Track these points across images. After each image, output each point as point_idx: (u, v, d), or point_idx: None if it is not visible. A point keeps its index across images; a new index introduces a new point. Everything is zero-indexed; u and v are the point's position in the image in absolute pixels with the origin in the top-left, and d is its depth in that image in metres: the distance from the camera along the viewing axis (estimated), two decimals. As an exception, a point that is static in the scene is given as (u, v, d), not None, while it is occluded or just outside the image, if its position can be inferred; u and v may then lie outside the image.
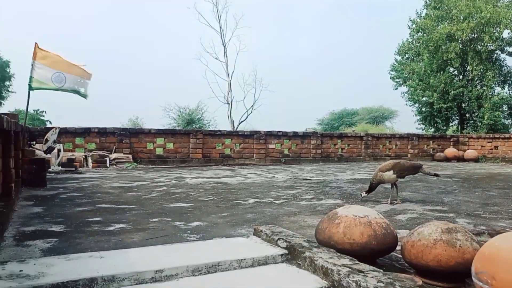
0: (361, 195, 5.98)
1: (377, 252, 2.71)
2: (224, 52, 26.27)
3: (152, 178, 8.75)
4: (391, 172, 5.71)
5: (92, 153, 11.42)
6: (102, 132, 12.30)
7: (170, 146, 13.25)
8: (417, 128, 25.16)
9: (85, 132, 12.21)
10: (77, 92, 9.74)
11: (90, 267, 2.29)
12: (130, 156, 12.07)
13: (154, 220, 4.45)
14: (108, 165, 11.17)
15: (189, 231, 3.92)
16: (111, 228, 4.00)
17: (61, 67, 9.54)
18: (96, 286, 2.17)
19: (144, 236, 3.69)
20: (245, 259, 2.48)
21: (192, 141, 13.34)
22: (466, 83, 22.40)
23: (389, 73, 26.15)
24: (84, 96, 9.85)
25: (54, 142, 10.18)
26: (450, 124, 24.64)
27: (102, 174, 9.46)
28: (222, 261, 2.41)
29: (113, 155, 11.67)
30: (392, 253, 2.96)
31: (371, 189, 5.92)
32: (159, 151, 13.10)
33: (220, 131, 14.46)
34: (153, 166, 12.28)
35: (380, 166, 5.98)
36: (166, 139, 13.20)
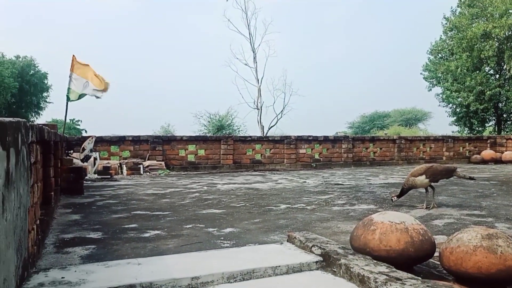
0: (392, 199, 5.88)
1: (414, 259, 2.65)
2: (254, 58, 26.41)
3: (185, 185, 8.87)
4: (424, 176, 5.58)
5: (126, 160, 11.71)
6: (136, 140, 12.60)
7: (202, 152, 13.41)
8: (452, 131, 24.53)
9: (120, 140, 12.53)
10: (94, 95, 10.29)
11: (129, 274, 2.35)
12: (163, 163, 12.30)
13: (187, 226, 4.51)
14: (142, 172, 11.41)
15: (222, 238, 3.95)
16: (147, 235, 4.09)
17: (89, 76, 10.04)
18: (134, 293, 2.22)
19: (178, 243, 3.75)
20: (279, 266, 2.48)
21: (223, 147, 13.46)
22: (503, 82, 21.66)
23: (421, 73, 25.61)
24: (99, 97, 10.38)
25: (91, 150, 10.50)
26: (487, 125, 23.87)
27: (137, 181, 9.68)
28: (256, 268, 2.42)
29: (147, 162, 11.92)
30: (430, 260, 2.89)
31: (402, 193, 5.81)
32: (191, 157, 13.29)
33: (250, 136, 14.52)
34: (185, 172, 12.46)
35: (412, 170, 5.85)
36: (197, 145, 13.38)
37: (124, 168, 11.34)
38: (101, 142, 12.17)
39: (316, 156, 14.95)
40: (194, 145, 13.34)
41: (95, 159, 10.71)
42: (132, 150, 12.55)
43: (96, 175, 10.44)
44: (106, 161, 11.45)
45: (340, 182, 9.33)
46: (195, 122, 32.10)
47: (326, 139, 15.11)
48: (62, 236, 4.06)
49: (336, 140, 15.32)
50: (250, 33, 26.15)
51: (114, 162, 11.62)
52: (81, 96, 10.25)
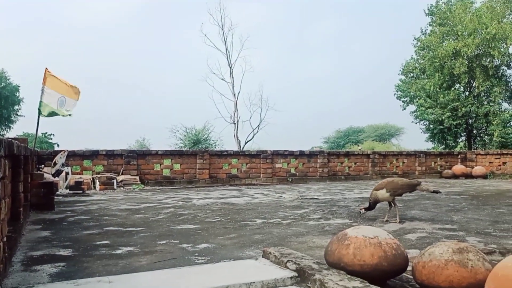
0: (360, 212, 5.96)
1: (388, 273, 2.67)
2: (230, 73, 26.53)
3: (159, 200, 8.75)
4: (384, 190, 5.69)
5: (99, 175, 11.47)
6: (110, 154, 12.37)
7: (177, 167, 13.28)
8: (427, 148, 25.08)
9: (93, 155, 12.29)
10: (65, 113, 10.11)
11: (99, 292, 2.28)
12: (137, 177, 12.10)
13: (161, 242, 4.44)
14: (115, 187, 11.19)
15: (197, 254, 3.90)
16: (119, 252, 3.99)
17: (64, 91, 9.88)
18: (105, 312, 2.15)
19: (152, 259, 3.67)
20: (254, 282, 2.46)
21: (199, 162, 13.36)
22: (473, 99, 22.39)
23: (394, 94, 26.22)
24: (69, 115, 10.23)
25: (63, 165, 10.25)
26: (458, 141, 24.54)
27: (110, 197, 9.48)
28: (231, 285, 2.39)
29: (121, 177, 11.71)
30: (403, 274, 2.92)
31: (369, 207, 5.92)
32: (166, 172, 13.13)
33: (226, 151, 14.49)
34: (160, 187, 12.29)
35: (376, 185, 5.98)
36: (173, 160, 13.24)
37: (97, 183, 11.10)
38: (74, 156, 11.90)
39: (292, 171, 15.02)
40: (170, 160, 13.20)
41: (67, 173, 10.45)
42: (106, 164, 12.31)
43: (68, 190, 10.18)
44: (78, 176, 11.18)
45: (316, 197, 9.39)
46: (171, 136, 31.83)
47: (302, 154, 15.22)
48: (31, 253, 3.93)
49: (311, 155, 15.45)
50: (227, 49, 26.29)
51: (86, 176, 11.36)
52: (52, 113, 10.06)
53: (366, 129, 47.33)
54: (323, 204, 7.88)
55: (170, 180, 12.91)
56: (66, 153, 10.59)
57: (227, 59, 26.35)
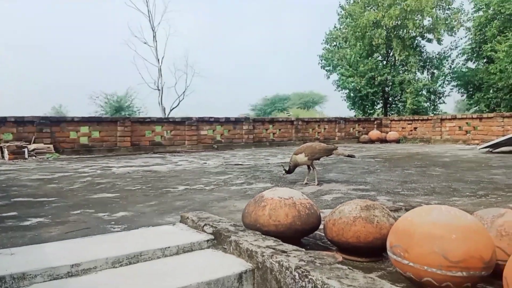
0: (284, 171, 6.14)
1: (301, 232, 2.77)
2: (154, 36, 25.46)
3: (76, 169, 8.30)
4: (303, 154, 5.92)
5: (8, 144, 10.58)
6: (20, 122, 11.42)
7: (96, 134, 12.63)
8: (348, 115, 26.28)
9: (0, 122, 11.26)
10: None
11: (-2, 266, 2.11)
12: (51, 146, 11.34)
13: (75, 212, 4.22)
14: (27, 156, 10.42)
15: (113, 222, 3.76)
16: (27, 223, 3.73)
17: None
18: (4, 285, 2.00)
19: (63, 230, 3.47)
20: (169, 247, 2.41)
21: (120, 129, 12.81)
22: (391, 68, 23.66)
23: (318, 63, 26.88)
24: None
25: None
26: (376, 108, 25.97)
27: (20, 166, 8.81)
28: (144, 251, 2.33)
29: (32, 146, 10.90)
30: (316, 232, 3.04)
31: (290, 170, 6.12)
32: (84, 140, 12.45)
33: (149, 118, 14.03)
34: (78, 156, 11.66)
35: (295, 150, 6.19)
36: (91, 127, 12.55)
37: (6, 152, 10.25)
38: (-23, 123, 10.83)
39: (218, 138, 14.99)
40: (87, 127, 12.49)
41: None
42: (15, 132, 11.36)
43: (-29, 160, 9.30)
44: (-17, 145, 10.23)
45: (240, 163, 9.47)
46: (90, 103, 30.24)
47: (227, 121, 15.20)
48: None
49: (237, 122, 15.50)
50: (149, 11, 25.12)
51: (-7, 145, 10.43)
52: None
53: (292, 97, 48.39)
54: (246, 170, 7.98)
55: (89, 149, 12.28)
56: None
57: (150, 22, 25.22)
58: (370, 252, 2.56)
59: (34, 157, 10.58)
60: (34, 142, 11.23)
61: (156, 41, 25.45)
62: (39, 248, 2.47)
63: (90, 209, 4.35)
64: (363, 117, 22.19)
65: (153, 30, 25.46)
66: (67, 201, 4.84)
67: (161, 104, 25.90)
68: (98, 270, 2.18)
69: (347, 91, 25.27)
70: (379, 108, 26.15)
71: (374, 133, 18.38)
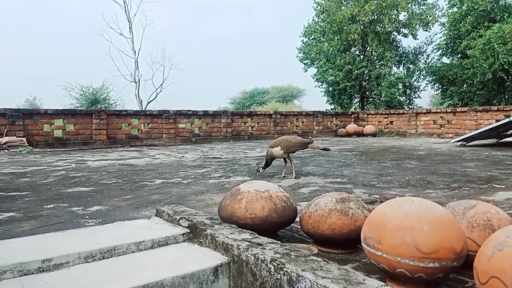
0: (258, 171, 6.10)
1: (277, 225, 2.77)
2: (130, 28, 25.02)
3: (50, 162, 8.11)
4: (279, 148, 5.94)
5: (-22, 137, 10.26)
6: (-10, 114, 11.09)
7: (71, 127, 12.37)
8: (326, 109, 26.43)
9: (-30, 114, 10.91)
10: None
11: (-36, 263, 2.04)
12: (24, 139, 11.06)
13: (48, 206, 4.12)
14: (-2, 150, 10.13)
15: (87, 216, 3.69)
16: (-3, 218, 3.63)
17: None
18: (-29, 283, 1.93)
19: (36, 224, 3.40)
20: (144, 241, 2.38)
21: (95, 122, 12.58)
22: (367, 63, 23.91)
23: (297, 56, 26.92)
24: None
25: None
26: (353, 102, 26.25)
27: (-9, 160, 8.56)
28: (118, 245, 2.29)
29: (4, 139, 10.60)
30: (293, 224, 3.06)
31: (267, 164, 6.11)
32: (58, 133, 12.18)
33: (126, 110, 13.81)
34: (51, 149, 11.40)
35: (271, 143, 6.20)
36: (65, 120, 12.28)
37: (-24, 145, 9.94)
38: None
39: (196, 131, 14.90)
40: (62, 120, 12.21)
41: None
42: (-14, 125, 11.04)
43: None
44: (-49, 138, 9.89)
45: (219, 156, 9.44)
46: (65, 95, 29.60)
47: (205, 114, 15.11)
48: None
49: (215, 115, 15.42)
50: (125, 1, 24.64)
51: (-38, 139, 10.10)
52: None
53: (270, 91, 48.49)
54: (225, 163, 7.95)
55: (63, 142, 12.02)
56: None
57: (126, 13, 24.75)
58: (345, 244, 2.59)
59: (6, 151, 10.30)
60: (6, 135, 10.93)
61: (132, 32, 25.03)
62: (9, 244, 2.40)
63: (64, 203, 4.26)
64: (341, 111, 22.40)
65: (129, 21, 25.01)
66: (40, 195, 4.73)
67: (138, 96, 25.53)
68: (70, 265, 2.13)
69: (326, 85, 25.44)
70: (356, 102, 26.44)
71: (351, 127, 18.59)
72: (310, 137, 6.52)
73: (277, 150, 5.95)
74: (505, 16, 20.56)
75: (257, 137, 16.28)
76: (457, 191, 4.87)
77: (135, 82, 25.36)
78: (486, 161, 7.99)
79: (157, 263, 2.16)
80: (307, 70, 26.77)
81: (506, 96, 20.87)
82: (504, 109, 15.07)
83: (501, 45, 18.83)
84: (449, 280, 2.12)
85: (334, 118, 19.16)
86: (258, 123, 16.61)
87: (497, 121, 13.03)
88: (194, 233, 2.54)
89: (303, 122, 18.00)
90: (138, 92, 25.48)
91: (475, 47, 19.94)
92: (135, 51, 25.02)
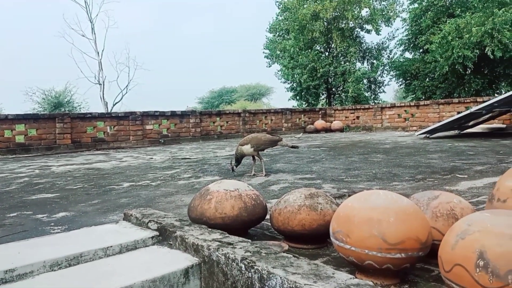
0: (233, 170, 6.10)
1: (248, 223, 2.77)
2: (92, 29, 24.42)
3: (12, 169, 7.82)
4: (249, 146, 5.98)
5: None
6: None
7: (33, 132, 11.96)
8: (292, 105, 26.56)
9: None
10: None
11: None
12: (-17, 146, 10.61)
13: (11, 215, 3.98)
14: (-45, 158, 9.68)
15: (52, 224, 3.59)
16: (-45, 230, 3.47)
17: None
18: None
19: (-3, 234, 3.27)
20: (111, 246, 2.33)
21: (59, 126, 12.21)
22: (332, 59, 24.21)
23: (263, 52, 26.91)
24: None
25: None
26: (320, 99, 26.52)
27: None
28: (85, 252, 2.23)
29: (-38, 147, 10.14)
30: (263, 222, 3.07)
31: (237, 161, 6.13)
32: (20, 138, 11.75)
33: (90, 113, 13.48)
34: (13, 156, 11.00)
35: (241, 140, 6.23)
36: (27, 125, 11.86)
37: None
38: None
39: (164, 132, 14.71)
40: (23, 125, 11.79)
41: None
42: None
43: None
44: None
45: (188, 156, 9.36)
46: (26, 100, 28.61)
47: (173, 114, 14.94)
48: None
49: (184, 115, 15.28)
50: (86, 1, 24.01)
51: None
52: None
53: (239, 89, 48.42)
54: (194, 164, 7.89)
55: (25, 148, 11.61)
56: None
57: (87, 13, 24.14)
58: (315, 239, 2.61)
59: (-37, 159, 9.86)
60: (-37, 143, 10.45)
61: (94, 33, 24.44)
62: (-32, 256, 2.29)
63: (27, 211, 4.13)
64: (308, 107, 22.61)
65: (91, 22, 24.41)
66: (2, 203, 4.56)
67: (103, 99, 24.97)
68: (35, 275, 2.06)
69: (290, 82, 25.55)
70: (323, 99, 26.74)
71: (319, 123, 18.83)
72: (279, 135, 6.57)
73: (247, 148, 5.97)
74: (462, 11, 21.29)
75: (227, 136, 16.24)
76: (422, 183, 5.01)
77: (100, 84, 24.81)
78: (449, 152, 8.26)
79: (125, 268, 2.12)
80: (270, 66, 26.73)
81: (465, 89, 21.58)
82: (465, 101, 15.62)
83: (457, 39, 19.48)
84: (416, 269, 2.18)
85: (302, 115, 19.34)
86: (227, 122, 16.57)
87: (458, 113, 13.51)
88: (164, 236, 2.51)
89: (272, 120, 18.09)
90: (103, 94, 24.94)
91: (434, 42, 20.54)
92: (98, 53, 24.47)
